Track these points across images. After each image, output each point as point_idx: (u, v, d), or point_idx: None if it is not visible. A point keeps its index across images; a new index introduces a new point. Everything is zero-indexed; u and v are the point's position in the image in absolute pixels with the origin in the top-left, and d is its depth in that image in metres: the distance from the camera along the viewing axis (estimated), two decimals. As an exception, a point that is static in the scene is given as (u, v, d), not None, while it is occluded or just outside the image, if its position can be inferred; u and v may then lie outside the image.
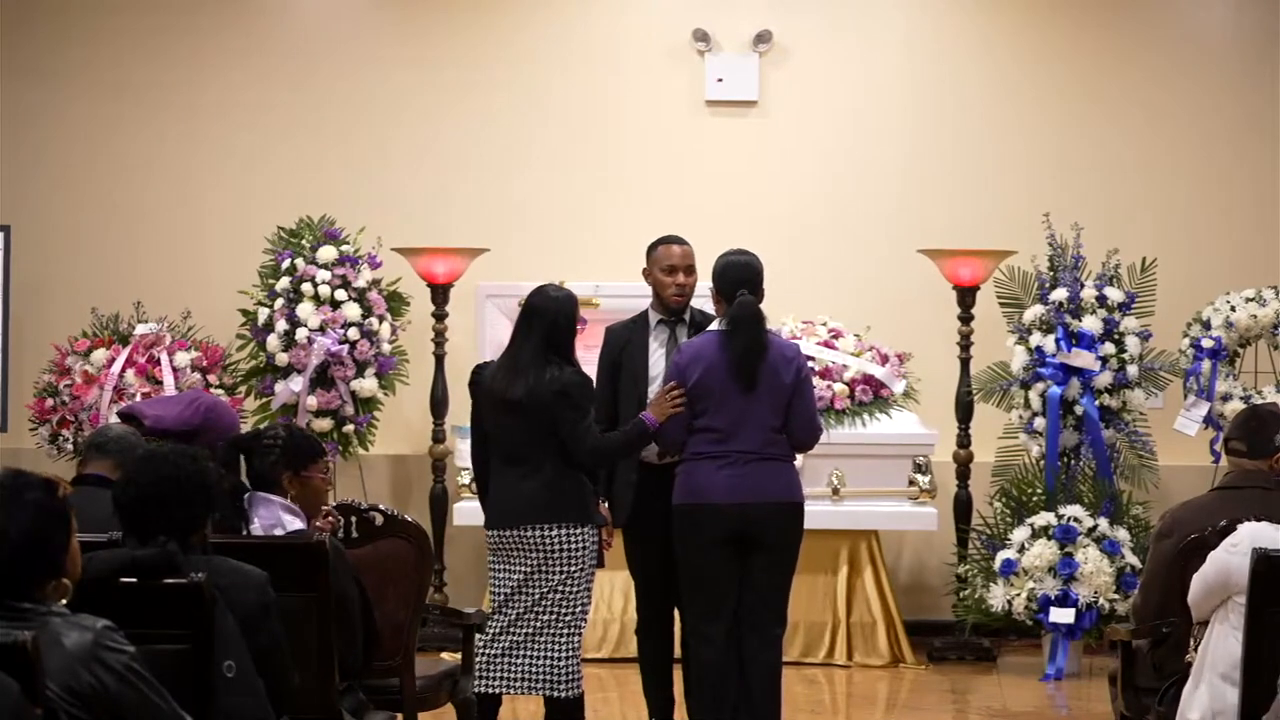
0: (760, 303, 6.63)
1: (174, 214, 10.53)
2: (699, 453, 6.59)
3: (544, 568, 6.66)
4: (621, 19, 10.62)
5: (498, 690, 6.71)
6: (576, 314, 6.74)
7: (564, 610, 6.64)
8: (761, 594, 6.59)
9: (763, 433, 6.56)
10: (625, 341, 7.09)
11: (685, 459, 6.63)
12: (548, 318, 6.68)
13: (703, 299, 6.99)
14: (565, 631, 6.64)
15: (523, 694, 6.74)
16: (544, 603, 6.66)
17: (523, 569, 6.68)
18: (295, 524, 5.44)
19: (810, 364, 9.54)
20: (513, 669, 6.69)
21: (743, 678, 6.59)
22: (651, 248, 7.14)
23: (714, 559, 6.55)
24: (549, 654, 6.65)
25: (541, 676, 6.65)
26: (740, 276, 6.62)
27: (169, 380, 9.46)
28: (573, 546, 6.62)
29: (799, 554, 6.71)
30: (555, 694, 6.65)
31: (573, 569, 6.63)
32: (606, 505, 6.92)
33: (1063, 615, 9.00)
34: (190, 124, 10.54)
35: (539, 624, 6.66)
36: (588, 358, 7.25)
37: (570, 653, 6.64)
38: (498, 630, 6.69)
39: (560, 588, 6.63)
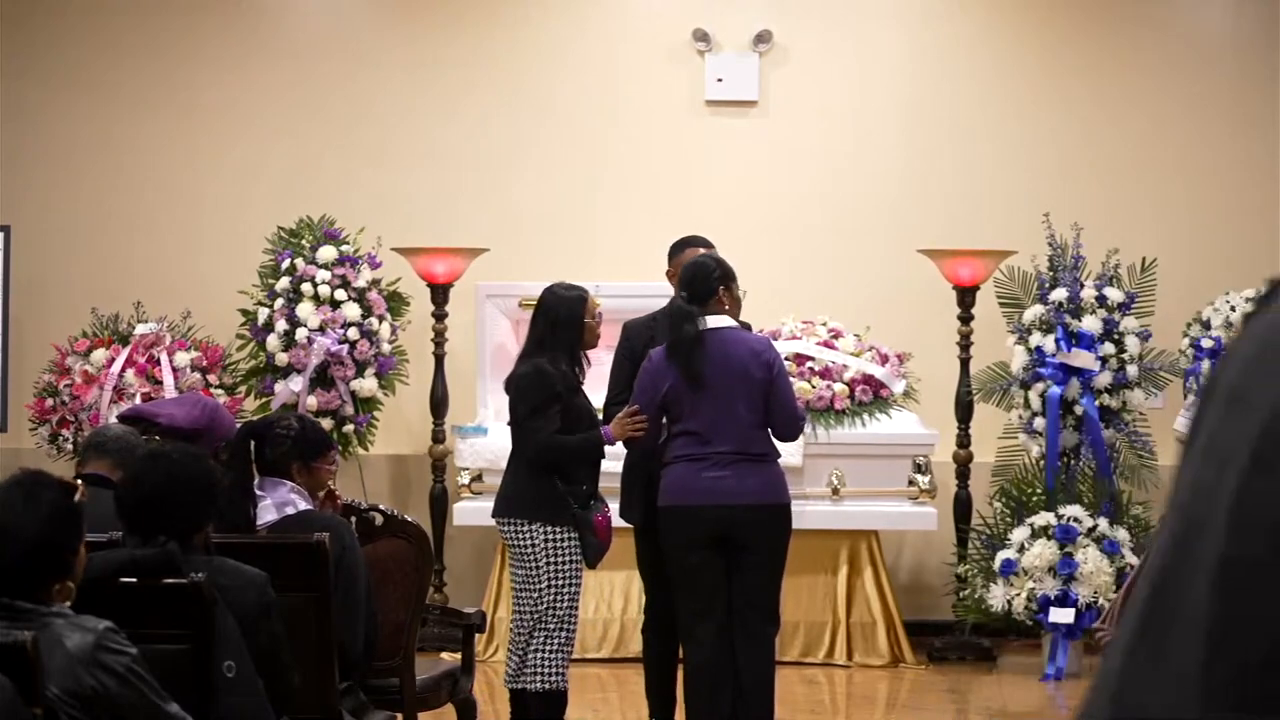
0: (726, 299, 6.64)
1: (174, 214, 10.53)
2: (680, 455, 6.61)
3: (510, 561, 6.88)
4: (621, 19, 10.62)
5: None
6: (582, 312, 6.79)
7: (529, 602, 6.76)
8: (750, 595, 6.60)
9: (742, 431, 6.57)
10: (648, 339, 7.09)
11: (668, 462, 6.65)
12: (550, 314, 6.78)
13: None
14: (540, 625, 6.74)
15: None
16: (516, 596, 6.83)
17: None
18: (303, 505, 5.57)
19: (810, 364, 9.55)
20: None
21: (737, 678, 6.60)
22: (676, 249, 7.18)
23: (699, 560, 6.57)
24: (525, 647, 6.76)
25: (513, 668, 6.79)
26: (686, 275, 6.72)
27: (169, 380, 9.46)
28: (523, 544, 6.73)
29: (787, 553, 6.71)
30: (518, 686, 6.79)
31: (529, 565, 6.74)
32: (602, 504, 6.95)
33: (1063, 615, 9.00)
34: (190, 124, 10.54)
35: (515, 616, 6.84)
36: (605, 358, 7.28)
37: (535, 647, 6.72)
38: None
39: (524, 584, 6.77)
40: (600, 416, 6.89)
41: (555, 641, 6.71)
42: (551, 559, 6.69)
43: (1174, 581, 0.91)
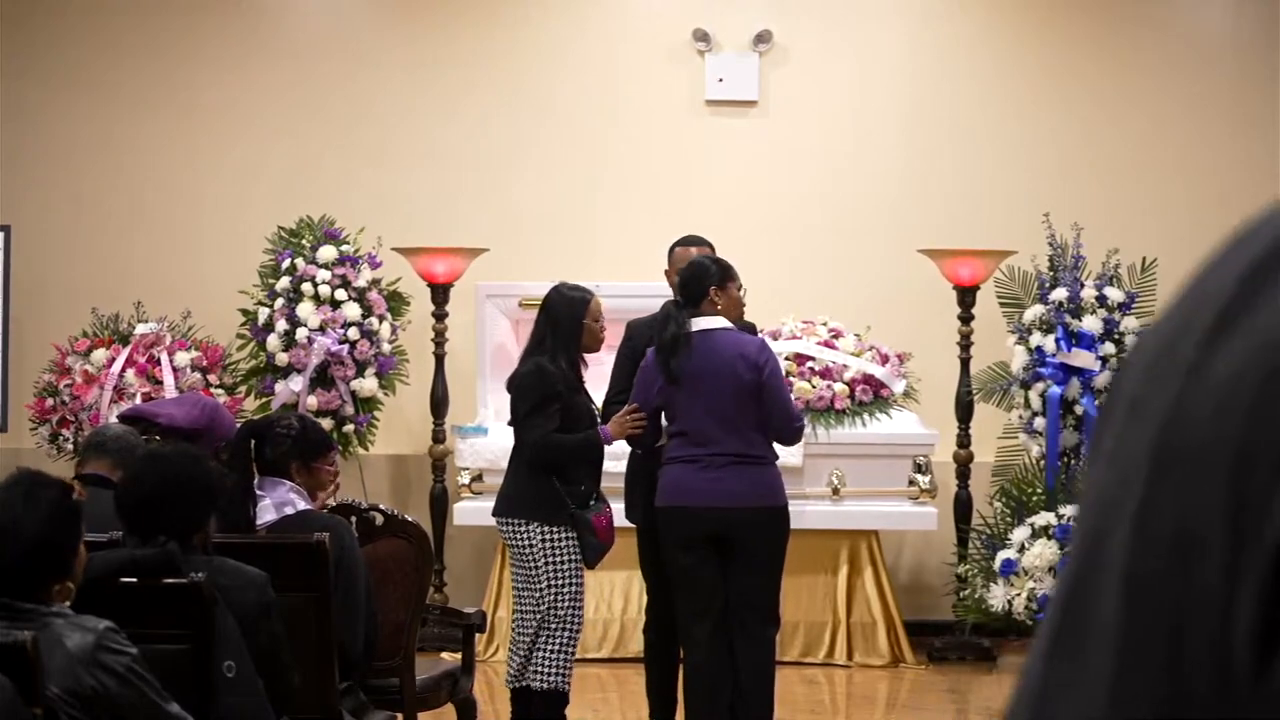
0: (720, 299, 6.65)
1: (174, 214, 10.53)
2: (675, 456, 6.63)
3: (510, 561, 6.96)
4: (621, 19, 10.62)
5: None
6: (583, 313, 6.81)
7: (530, 602, 6.81)
8: (747, 596, 6.60)
9: (735, 433, 6.56)
10: (650, 338, 7.11)
11: (665, 462, 6.67)
12: (551, 313, 6.84)
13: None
14: (543, 624, 6.78)
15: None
16: (518, 596, 6.89)
17: None
18: (302, 505, 5.58)
19: (810, 364, 9.55)
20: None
21: (736, 678, 6.61)
22: (671, 249, 7.22)
23: (694, 561, 6.58)
24: (529, 647, 6.82)
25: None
26: (683, 276, 6.76)
27: (169, 380, 9.46)
28: (521, 544, 6.78)
29: (784, 555, 6.70)
30: (521, 685, 6.84)
31: (528, 564, 6.77)
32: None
33: (1063, 615, 8.99)
34: (190, 124, 10.54)
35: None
36: (605, 358, 7.31)
37: (539, 646, 6.76)
38: None
39: (524, 584, 6.83)
40: (599, 414, 6.90)
41: (557, 641, 6.72)
42: (550, 559, 6.71)
43: (1085, 590, 0.91)
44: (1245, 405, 0.84)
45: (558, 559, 6.71)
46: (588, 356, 7.02)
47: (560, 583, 6.71)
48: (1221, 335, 0.86)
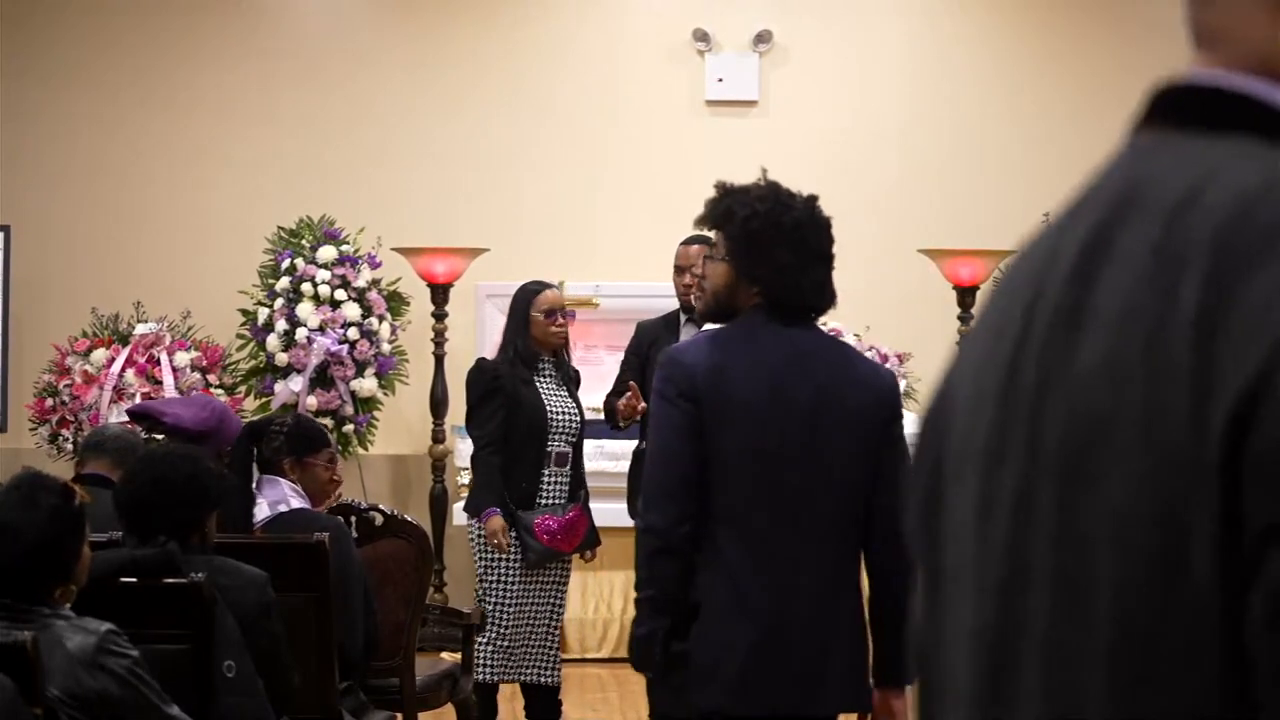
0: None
1: (174, 214, 10.53)
2: None
3: None
4: (621, 19, 10.62)
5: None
6: (527, 307, 6.82)
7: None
8: None
9: None
10: (654, 339, 7.12)
11: None
12: (510, 307, 6.90)
13: None
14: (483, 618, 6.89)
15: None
16: None
17: None
18: (297, 503, 5.59)
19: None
20: None
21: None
22: (677, 249, 7.24)
23: None
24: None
25: None
26: None
27: (169, 380, 9.46)
28: (471, 540, 6.84)
29: None
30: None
31: (474, 560, 6.82)
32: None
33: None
34: (190, 124, 10.54)
35: None
36: (588, 356, 7.30)
37: (480, 639, 6.81)
38: None
39: None
40: (566, 413, 6.88)
41: (486, 636, 6.74)
42: (480, 555, 6.75)
43: (1011, 637, 0.92)
44: (1136, 383, 0.85)
45: (488, 556, 6.74)
46: (589, 357, 7.03)
47: (490, 579, 6.75)
48: (1071, 335, 0.88)
